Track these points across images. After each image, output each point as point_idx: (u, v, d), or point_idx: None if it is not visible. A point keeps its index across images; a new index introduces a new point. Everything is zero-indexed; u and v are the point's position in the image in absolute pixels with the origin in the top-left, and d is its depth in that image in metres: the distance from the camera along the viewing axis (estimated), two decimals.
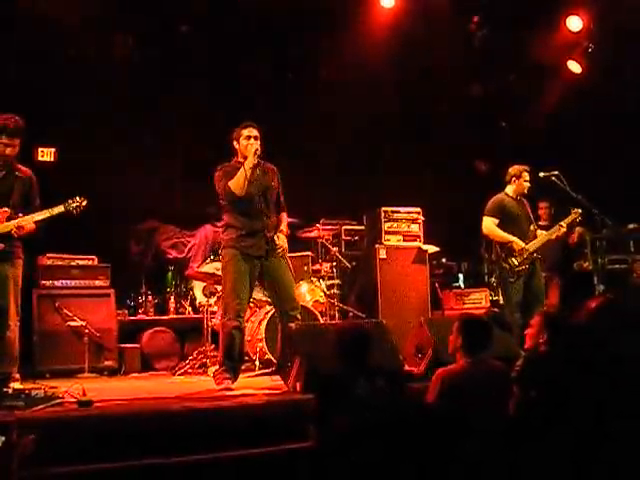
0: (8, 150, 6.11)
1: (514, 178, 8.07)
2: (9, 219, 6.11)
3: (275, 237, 6.56)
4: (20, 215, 6.14)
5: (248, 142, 6.54)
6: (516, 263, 7.79)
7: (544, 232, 8.15)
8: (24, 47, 8.91)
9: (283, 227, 6.76)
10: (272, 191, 6.71)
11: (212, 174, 6.69)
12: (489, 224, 7.99)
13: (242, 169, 6.40)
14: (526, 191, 8.12)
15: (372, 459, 2.72)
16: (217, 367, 6.73)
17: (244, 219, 6.53)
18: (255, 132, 6.60)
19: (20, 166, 6.33)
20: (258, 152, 6.45)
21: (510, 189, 8.12)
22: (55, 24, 8.96)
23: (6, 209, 6.10)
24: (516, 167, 8.12)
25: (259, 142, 6.57)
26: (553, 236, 8.06)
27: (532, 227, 8.08)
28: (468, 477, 3.05)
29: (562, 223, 8.09)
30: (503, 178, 8.19)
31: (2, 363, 6.00)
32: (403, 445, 2.43)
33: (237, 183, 6.39)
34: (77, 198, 6.37)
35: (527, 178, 8.06)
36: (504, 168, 8.28)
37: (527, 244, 7.85)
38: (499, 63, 10.97)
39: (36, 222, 6.19)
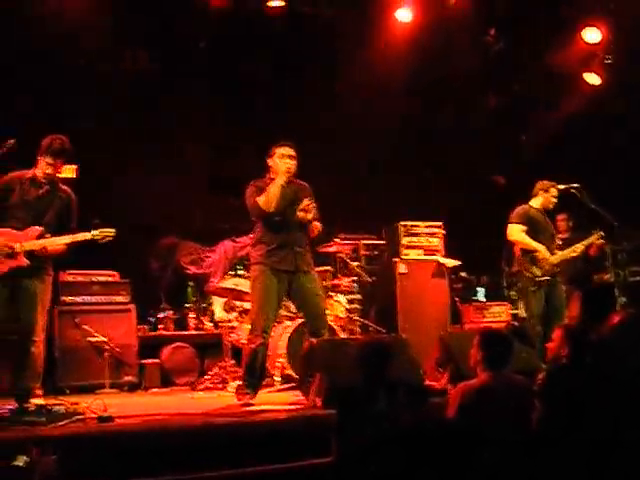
0: (50, 169, 6.13)
1: (542, 191, 8.12)
2: (40, 237, 6.14)
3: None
4: (48, 236, 6.17)
5: (282, 161, 6.56)
6: (538, 273, 7.79)
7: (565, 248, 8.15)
8: (41, 64, 8.98)
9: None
10: None
11: (244, 189, 6.71)
12: (517, 231, 7.97)
13: (272, 186, 6.44)
14: (552, 206, 8.17)
15: (392, 472, 2.71)
16: (238, 382, 6.75)
17: (274, 234, 6.55)
18: (291, 151, 6.62)
19: (62, 186, 6.35)
20: (291, 171, 6.51)
21: (536, 202, 8.15)
22: (73, 40, 9.04)
23: (38, 227, 6.13)
24: (545, 182, 8.17)
25: (294, 161, 6.60)
26: (571, 255, 8.06)
27: (556, 242, 8.11)
28: None
29: (582, 244, 8.13)
30: (529, 191, 8.23)
31: (25, 378, 5.99)
32: (423, 459, 2.42)
33: (266, 200, 6.42)
34: (105, 229, 6.38)
35: (555, 194, 8.12)
36: (521, 181, 8.31)
37: (552, 256, 7.87)
38: (516, 75, 10.95)
39: (67, 244, 6.22)
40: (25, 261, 6.03)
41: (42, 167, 6.14)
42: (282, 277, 6.52)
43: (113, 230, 6.40)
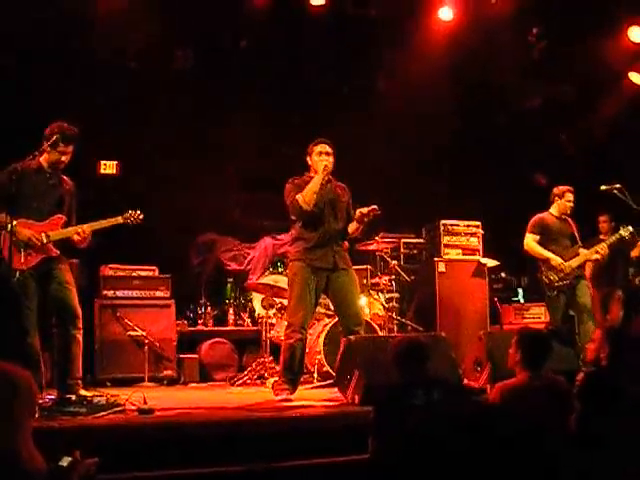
0: (63, 157, 6.13)
1: (557, 198, 8.24)
2: (64, 226, 6.17)
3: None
4: (73, 224, 6.21)
5: (319, 158, 6.62)
6: (555, 278, 7.93)
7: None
8: (88, 61, 9.07)
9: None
10: (341, 206, 6.76)
11: (283, 186, 6.75)
12: (529, 241, 8.18)
13: (311, 183, 6.50)
14: (569, 211, 8.23)
15: (430, 470, 2.71)
16: (276, 378, 6.77)
17: (312, 232, 6.60)
18: (327, 148, 6.67)
19: (65, 178, 6.34)
20: (328, 169, 6.55)
21: (554, 208, 8.27)
22: (120, 39, 9.12)
23: (61, 216, 6.16)
24: (560, 187, 8.27)
25: (331, 159, 6.65)
26: (593, 257, 8.12)
27: (575, 246, 8.14)
28: None
29: (606, 243, 8.14)
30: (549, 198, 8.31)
31: (69, 369, 6.05)
32: (462, 457, 2.42)
33: (305, 197, 6.47)
34: (134, 211, 6.41)
35: (570, 198, 8.20)
36: (563, 182, 8.30)
37: (566, 261, 7.96)
38: (560, 74, 10.85)
39: (94, 231, 6.24)
40: (55, 251, 6.08)
41: (51, 156, 6.11)
42: (320, 274, 6.55)
43: (140, 212, 6.41)
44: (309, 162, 6.76)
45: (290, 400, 6.30)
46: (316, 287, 6.54)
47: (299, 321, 6.44)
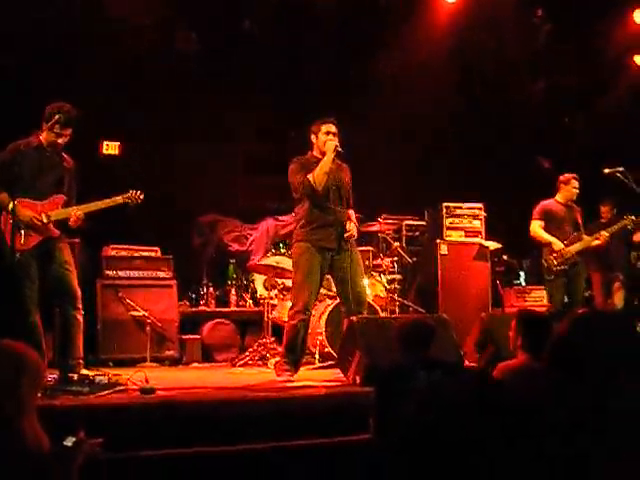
0: (60, 140, 6.09)
1: (563, 185, 8.42)
2: (65, 205, 6.16)
3: (347, 224, 6.63)
4: (73, 204, 6.19)
5: (327, 137, 6.60)
6: (555, 262, 8.14)
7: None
8: (89, 44, 9.04)
9: (353, 220, 6.82)
10: (345, 187, 6.77)
11: (287, 166, 6.75)
12: (534, 226, 8.40)
13: (322, 163, 6.49)
14: (574, 197, 8.41)
15: (431, 451, 2.70)
16: (278, 359, 6.79)
17: (318, 212, 6.60)
18: (334, 128, 6.66)
19: (65, 156, 6.31)
20: (338, 148, 6.53)
21: (560, 195, 8.45)
22: (124, 20, 9.09)
23: (61, 196, 6.14)
24: (566, 175, 8.45)
25: (337, 138, 6.63)
26: (594, 243, 8.30)
27: (577, 232, 8.31)
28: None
29: (607, 231, 8.31)
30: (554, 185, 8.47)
31: (70, 348, 6.04)
32: (463, 437, 2.42)
33: (317, 178, 6.47)
34: (134, 191, 6.40)
35: (575, 185, 8.38)
36: (567, 165, 8.36)
37: (568, 246, 8.16)
38: (564, 57, 10.80)
39: (92, 212, 6.23)
40: (56, 232, 6.07)
41: (49, 136, 6.08)
42: (325, 255, 6.56)
43: (141, 192, 6.40)
44: (313, 140, 6.73)
45: (291, 381, 6.32)
46: (321, 268, 6.55)
47: (303, 302, 6.44)
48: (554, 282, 8.25)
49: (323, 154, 6.57)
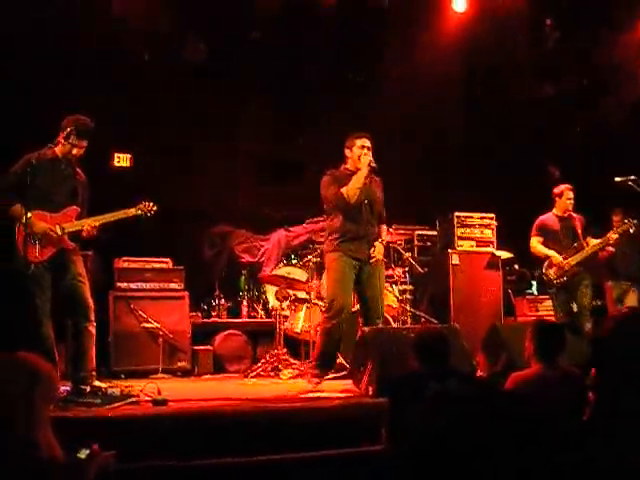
0: (75, 151, 6.11)
1: (557, 198, 8.52)
2: (78, 218, 6.17)
3: (375, 245, 6.76)
4: (84, 217, 6.20)
5: (361, 152, 6.74)
6: (554, 276, 8.27)
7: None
8: (89, 44, 9.06)
9: (383, 237, 6.99)
10: (377, 202, 6.91)
11: (320, 179, 6.92)
12: (533, 242, 8.55)
13: (356, 178, 6.62)
14: (570, 208, 8.48)
15: (444, 461, 2.69)
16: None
17: (350, 225, 6.74)
18: (368, 143, 6.81)
19: (78, 169, 6.33)
20: (373, 164, 6.64)
21: (556, 208, 8.56)
22: (133, 29, 9.11)
23: (75, 208, 6.16)
24: (559, 187, 8.57)
25: (371, 153, 6.76)
26: (595, 249, 8.35)
27: (576, 243, 8.35)
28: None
29: (608, 237, 8.30)
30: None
31: (83, 361, 6.05)
32: (476, 446, 2.40)
33: (350, 192, 6.60)
34: (147, 203, 6.41)
35: (569, 196, 8.47)
36: (576, 173, 8.39)
37: (566, 259, 8.25)
38: (573, 65, 10.79)
39: (109, 223, 6.25)
40: (70, 244, 6.09)
41: (64, 148, 6.10)
42: (355, 264, 6.71)
43: (153, 204, 6.41)
44: (348, 154, 6.88)
45: (315, 390, 6.40)
46: (353, 274, 6.70)
47: (339, 306, 6.56)
48: (556, 295, 8.39)
49: (357, 168, 6.70)
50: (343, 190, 6.62)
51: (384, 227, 7.09)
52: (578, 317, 8.20)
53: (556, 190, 8.54)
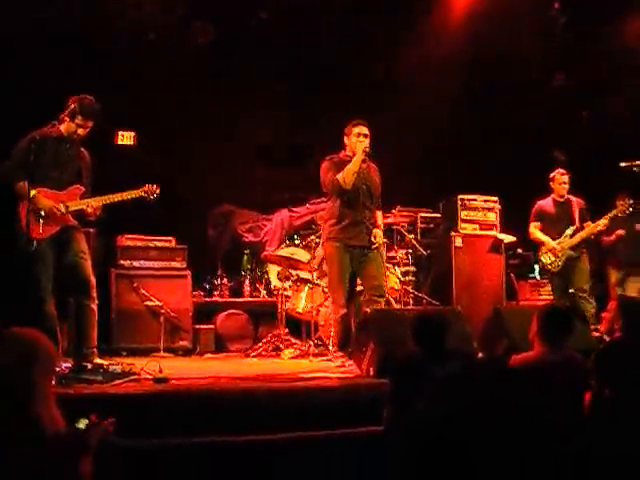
0: (80, 130, 6.08)
1: (551, 182, 8.64)
2: (82, 197, 6.16)
3: (374, 232, 6.90)
4: (88, 196, 6.18)
5: (358, 139, 6.87)
6: (548, 261, 8.42)
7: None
8: (105, 33, 9.04)
9: (380, 223, 7.14)
10: (374, 187, 7.04)
11: (319, 164, 7.05)
12: (531, 229, 8.70)
13: (351, 164, 6.74)
14: (564, 192, 8.57)
15: (446, 443, 2.70)
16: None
17: (348, 210, 6.88)
18: (365, 130, 6.94)
19: (82, 149, 6.31)
20: (367, 150, 6.77)
21: (553, 193, 8.64)
22: (136, 10, 9.08)
23: (79, 187, 6.15)
24: (552, 173, 8.67)
25: (368, 140, 6.88)
26: (588, 233, 8.41)
27: (570, 228, 8.42)
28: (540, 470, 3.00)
29: (605, 218, 8.38)
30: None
31: (85, 338, 6.04)
32: (478, 427, 2.41)
33: (346, 178, 6.72)
34: (152, 185, 6.40)
35: (562, 180, 8.57)
36: (582, 159, 8.38)
37: (560, 243, 8.34)
38: (581, 51, 10.73)
39: (111, 203, 6.23)
40: (74, 221, 6.08)
41: (69, 127, 6.07)
42: (354, 252, 6.86)
43: (157, 186, 6.38)
44: (346, 141, 7.00)
45: (314, 370, 6.49)
46: (351, 264, 6.85)
47: (341, 298, 6.81)
48: (552, 279, 8.56)
49: (354, 154, 6.80)
50: (339, 176, 6.74)
51: (379, 212, 7.20)
52: (578, 302, 8.20)
53: (550, 177, 8.64)
